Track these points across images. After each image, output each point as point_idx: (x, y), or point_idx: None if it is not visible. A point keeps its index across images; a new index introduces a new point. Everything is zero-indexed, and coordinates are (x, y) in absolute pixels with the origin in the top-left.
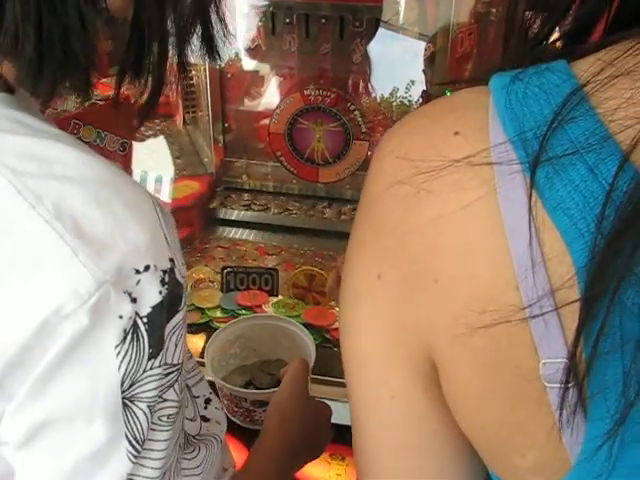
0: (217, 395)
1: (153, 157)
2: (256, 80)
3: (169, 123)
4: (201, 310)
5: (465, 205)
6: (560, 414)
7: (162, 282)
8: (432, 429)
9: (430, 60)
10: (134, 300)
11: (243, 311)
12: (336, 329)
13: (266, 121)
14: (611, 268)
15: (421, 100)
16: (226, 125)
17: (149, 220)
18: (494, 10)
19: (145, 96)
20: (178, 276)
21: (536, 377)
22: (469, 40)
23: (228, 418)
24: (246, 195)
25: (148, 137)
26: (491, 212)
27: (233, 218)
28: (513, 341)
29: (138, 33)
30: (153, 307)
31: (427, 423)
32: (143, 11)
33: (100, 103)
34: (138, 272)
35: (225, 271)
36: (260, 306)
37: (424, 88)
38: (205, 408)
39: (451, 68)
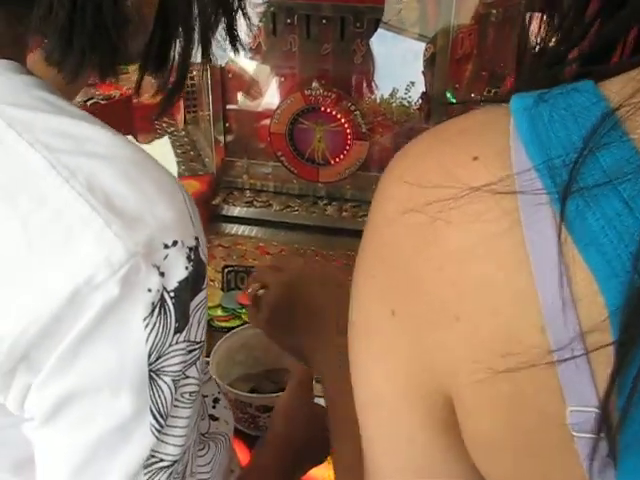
0: None
1: (156, 155)
2: (257, 80)
3: (170, 123)
4: None
5: (487, 239)
6: (590, 465)
7: (188, 258)
8: (450, 471)
9: (430, 61)
10: (162, 274)
11: (244, 310)
12: None
13: (267, 121)
14: None
15: (420, 101)
16: (227, 125)
17: (176, 199)
18: (494, 11)
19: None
20: (202, 255)
21: (563, 425)
22: (469, 41)
23: (237, 429)
24: (248, 192)
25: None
26: (515, 247)
27: (235, 214)
28: (538, 386)
29: (163, 22)
30: (179, 282)
31: (445, 465)
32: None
33: (102, 102)
34: (167, 247)
35: (226, 270)
36: None
37: (424, 90)
38: (214, 407)
39: (451, 69)
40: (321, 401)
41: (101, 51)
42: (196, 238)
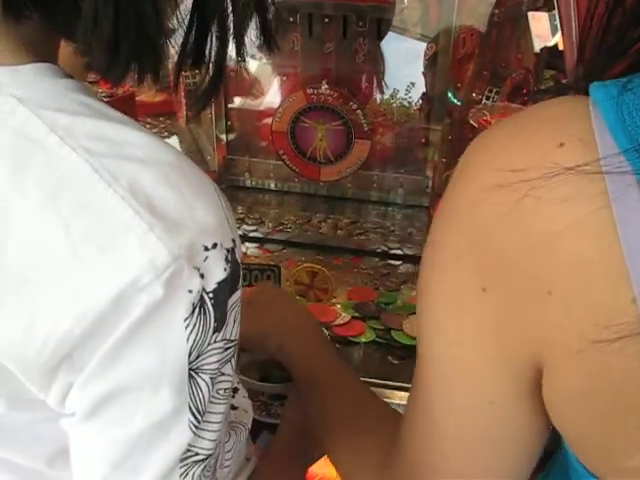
0: None
1: None
2: (259, 79)
3: (172, 121)
4: None
5: (577, 219)
6: None
7: (226, 260)
8: (522, 431)
9: (432, 61)
10: (202, 276)
11: None
12: (338, 326)
13: (269, 120)
14: None
15: (421, 102)
16: (229, 123)
17: (213, 203)
18: (497, 11)
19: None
20: (237, 256)
21: None
22: (471, 41)
23: None
24: (240, 208)
25: (163, 137)
26: (606, 227)
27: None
28: (625, 354)
29: (198, 20)
30: (218, 283)
31: (518, 425)
32: None
33: (105, 99)
34: (207, 249)
35: None
36: None
37: (424, 90)
38: (233, 396)
39: (453, 69)
40: None
41: (145, 59)
42: (233, 240)
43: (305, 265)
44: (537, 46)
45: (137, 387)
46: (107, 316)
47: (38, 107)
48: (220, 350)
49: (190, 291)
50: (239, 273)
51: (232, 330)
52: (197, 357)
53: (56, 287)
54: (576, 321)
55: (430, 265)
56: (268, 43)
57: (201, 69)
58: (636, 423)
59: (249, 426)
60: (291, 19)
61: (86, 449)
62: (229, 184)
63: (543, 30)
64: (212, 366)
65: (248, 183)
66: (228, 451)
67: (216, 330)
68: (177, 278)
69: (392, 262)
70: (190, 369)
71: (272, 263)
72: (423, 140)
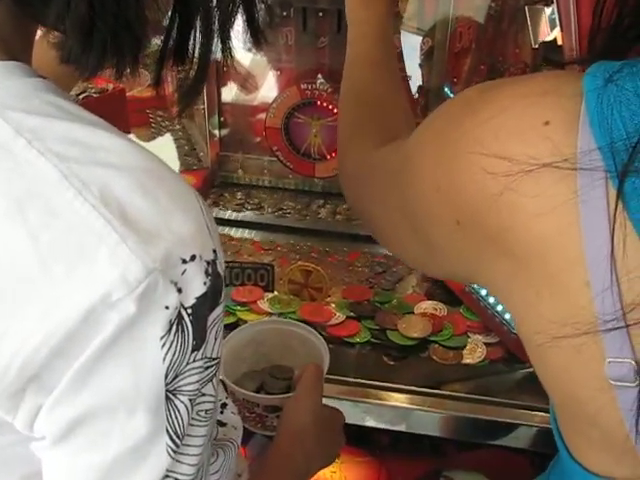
0: None
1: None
2: (252, 74)
3: (165, 116)
4: None
5: (546, 205)
6: (629, 413)
7: (206, 273)
8: None
9: (428, 55)
10: (179, 290)
11: (238, 307)
12: (332, 326)
13: (262, 115)
14: None
15: (417, 96)
16: (222, 119)
17: (193, 211)
18: (493, 4)
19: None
20: (219, 268)
21: (602, 374)
22: (468, 35)
23: None
24: (239, 194)
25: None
26: (570, 215)
27: (226, 217)
28: (582, 343)
29: (181, 14)
30: (197, 298)
31: None
32: None
33: (95, 95)
34: (184, 262)
35: None
36: (255, 302)
37: (420, 83)
38: (221, 412)
39: (449, 63)
40: (330, 402)
41: (123, 46)
42: (214, 251)
43: (299, 264)
44: (535, 41)
45: (110, 410)
46: (76, 334)
47: (4, 108)
48: (200, 370)
49: (167, 307)
50: (221, 287)
51: (213, 348)
52: (175, 378)
53: (23, 303)
54: (535, 295)
55: (412, 170)
56: (256, 38)
57: (185, 66)
58: (590, 409)
59: (239, 443)
60: (284, 13)
61: (58, 475)
62: (222, 181)
63: (541, 25)
64: (191, 387)
65: (242, 180)
66: (215, 472)
67: (195, 349)
68: (151, 293)
69: (387, 260)
70: (167, 390)
71: (266, 262)
72: None
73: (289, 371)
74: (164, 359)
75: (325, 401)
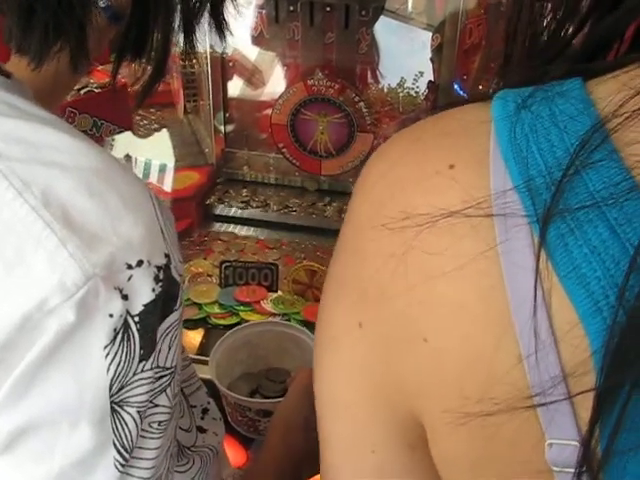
0: (220, 402)
1: (154, 146)
2: (259, 69)
3: (170, 112)
4: (198, 305)
5: (460, 259)
6: None
7: (156, 279)
8: None
9: (437, 51)
10: (125, 297)
11: (241, 307)
12: None
13: (268, 111)
14: (633, 352)
15: (427, 91)
16: (227, 115)
17: (145, 213)
18: (504, 0)
19: (144, 78)
20: (174, 273)
21: (541, 458)
22: (478, 31)
23: (232, 427)
24: (244, 191)
25: (151, 129)
26: (491, 273)
27: (231, 215)
28: (514, 419)
29: (141, 7)
30: (145, 305)
31: (408, 477)
32: None
33: (96, 91)
34: (130, 267)
35: (223, 265)
36: (259, 302)
37: (431, 79)
38: (202, 418)
39: (459, 60)
40: None
41: (67, 31)
42: (167, 255)
43: (304, 263)
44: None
45: (53, 422)
46: (13, 342)
47: None
48: (149, 380)
49: (110, 315)
50: (176, 292)
51: (167, 357)
52: (120, 389)
53: None
54: (454, 377)
55: (324, 289)
56: (220, 30)
57: (143, 59)
58: None
59: (219, 449)
60: (291, 8)
61: None
62: (227, 177)
63: None
64: (139, 398)
65: (247, 177)
66: (191, 479)
67: (143, 358)
68: (92, 300)
69: None
70: (113, 402)
71: (270, 261)
72: None
73: (285, 374)
74: (108, 369)
75: None
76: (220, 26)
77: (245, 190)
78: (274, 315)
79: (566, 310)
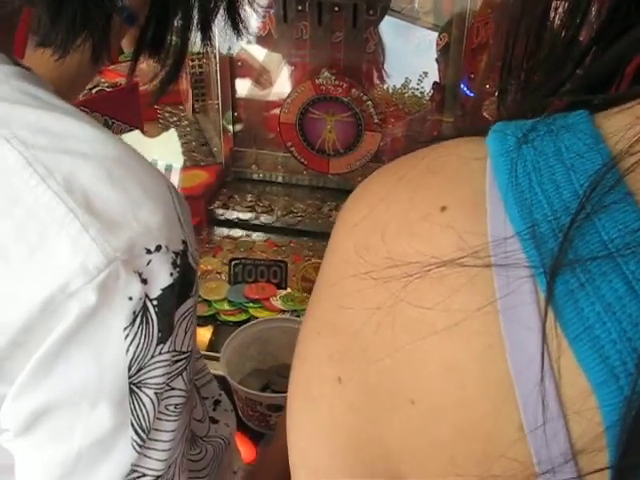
0: (232, 398)
1: (162, 145)
2: (267, 69)
3: (178, 111)
4: (208, 302)
5: (454, 319)
6: None
7: (174, 264)
8: None
9: (444, 50)
10: (144, 281)
11: (251, 304)
12: None
13: (276, 111)
14: None
15: (432, 92)
16: (236, 114)
17: (163, 201)
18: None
19: (162, 75)
20: (191, 260)
21: None
22: (485, 30)
23: (243, 422)
24: (249, 196)
25: (160, 129)
26: (489, 331)
27: (234, 219)
28: None
29: (160, 3)
30: (163, 290)
31: None
32: None
33: (107, 90)
34: (149, 252)
35: (233, 263)
36: (268, 299)
37: (436, 80)
38: (214, 410)
39: (466, 59)
40: None
41: (93, 22)
42: (184, 242)
43: (313, 261)
44: None
45: (73, 402)
46: (35, 325)
47: None
48: (167, 363)
49: (130, 298)
50: (192, 278)
51: (183, 341)
52: (139, 370)
53: None
54: (444, 444)
55: (299, 339)
56: (236, 28)
57: (161, 56)
58: None
59: (231, 440)
60: (300, 7)
61: (26, 467)
62: (236, 176)
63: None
64: (157, 380)
65: (255, 175)
66: (203, 468)
67: (161, 341)
68: (113, 283)
69: None
70: (131, 383)
71: (279, 259)
72: (436, 132)
73: None
74: (127, 351)
75: None
76: (236, 23)
77: (250, 195)
78: (283, 312)
79: (576, 377)
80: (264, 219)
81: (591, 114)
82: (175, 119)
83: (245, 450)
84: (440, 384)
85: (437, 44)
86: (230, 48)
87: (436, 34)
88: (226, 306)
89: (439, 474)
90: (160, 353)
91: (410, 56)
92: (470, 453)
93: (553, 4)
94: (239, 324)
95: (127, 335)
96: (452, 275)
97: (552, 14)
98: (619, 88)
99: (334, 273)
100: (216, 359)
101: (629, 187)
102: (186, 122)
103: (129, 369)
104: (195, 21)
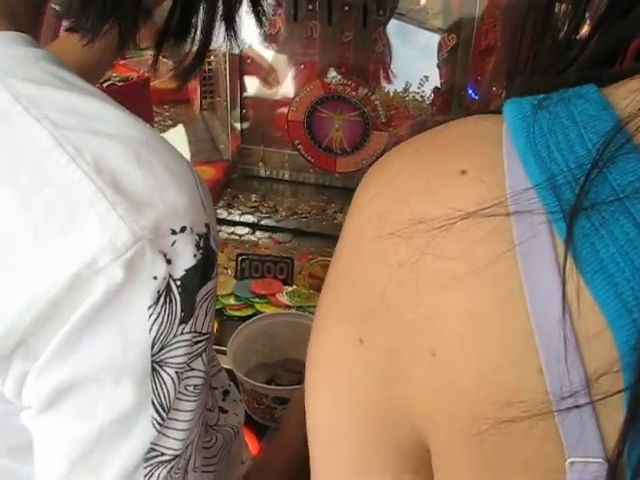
0: (238, 390)
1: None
2: (276, 67)
3: (186, 108)
4: None
5: (476, 266)
6: None
7: (197, 246)
8: None
9: (450, 53)
10: (169, 261)
11: (257, 299)
12: None
13: (284, 109)
14: None
15: (432, 97)
16: (244, 112)
17: (187, 184)
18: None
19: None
20: (212, 243)
21: (561, 479)
22: (494, 32)
23: (248, 415)
24: (253, 196)
25: (167, 125)
26: (508, 276)
27: (237, 220)
28: (532, 437)
29: None
30: (187, 270)
31: None
32: None
33: (119, 84)
34: (174, 232)
35: (240, 258)
36: (274, 295)
37: (437, 85)
38: (223, 400)
39: (473, 61)
40: None
41: (123, 8)
42: (207, 225)
43: (320, 258)
44: None
45: (96, 378)
46: (62, 300)
47: (4, 75)
48: (188, 343)
49: (155, 277)
50: (213, 261)
51: (203, 323)
52: (161, 349)
53: (10, 267)
54: (464, 392)
55: (318, 303)
56: (259, 19)
57: (184, 46)
58: None
59: (240, 429)
60: (310, 7)
61: (47, 444)
62: (243, 173)
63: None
64: (178, 360)
65: (262, 173)
66: (213, 456)
67: (183, 321)
68: (139, 261)
69: None
70: (153, 362)
71: (285, 255)
72: None
73: (301, 364)
74: (151, 329)
75: None
76: (259, 14)
77: (254, 196)
78: (290, 308)
79: (593, 313)
80: (268, 222)
81: (599, 87)
82: (184, 116)
83: (249, 444)
84: (461, 333)
85: (445, 45)
86: (239, 46)
87: (438, 37)
88: (232, 301)
89: (462, 426)
90: (182, 333)
91: (411, 59)
92: (490, 401)
93: None
94: (245, 319)
95: (151, 314)
96: (474, 227)
97: (557, 5)
98: (624, 61)
99: (352, 245)
100: (222, 353)
101: (638, 144)
102: (194, 119)
103: (152, 347)
104: (220, 11)
